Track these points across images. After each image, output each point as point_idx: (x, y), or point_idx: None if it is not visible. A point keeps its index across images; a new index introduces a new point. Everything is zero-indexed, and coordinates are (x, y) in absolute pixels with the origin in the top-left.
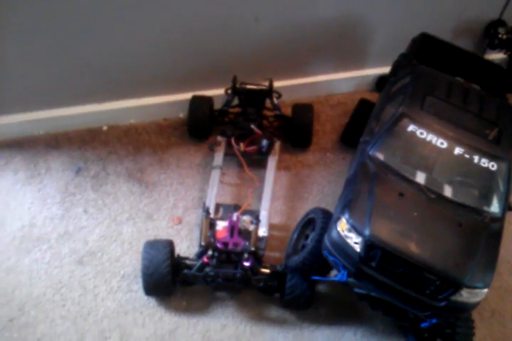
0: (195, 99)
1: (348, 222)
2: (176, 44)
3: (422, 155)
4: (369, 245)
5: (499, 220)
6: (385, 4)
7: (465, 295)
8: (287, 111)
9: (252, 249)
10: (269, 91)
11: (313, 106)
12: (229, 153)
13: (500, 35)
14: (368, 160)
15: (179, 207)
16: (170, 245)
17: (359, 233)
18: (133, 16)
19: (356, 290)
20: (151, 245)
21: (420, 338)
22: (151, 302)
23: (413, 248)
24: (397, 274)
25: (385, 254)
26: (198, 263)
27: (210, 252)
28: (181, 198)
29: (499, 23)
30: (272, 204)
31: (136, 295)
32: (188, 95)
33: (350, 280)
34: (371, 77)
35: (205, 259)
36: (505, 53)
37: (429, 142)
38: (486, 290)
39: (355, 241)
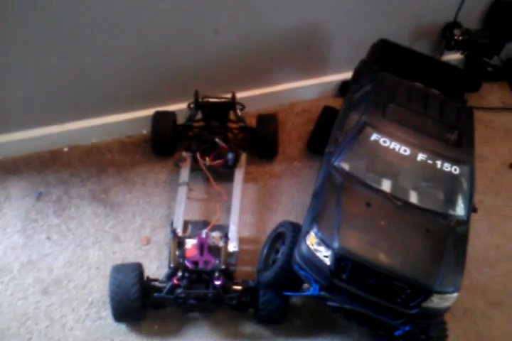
0: (157, 115)
1: (316, 235)
2: (136, 60)
3: (386, 164)
4: (339, 258)
5: (465, 223)
6: (343, 12)
7: (436, 301)
8: (252, 121)
9: (223, 267)
10: (232, 104)
11: (278, 115)
12: (195, 168)
13: (456, 37)
14: (334, 172)
15: (147, 226)
16: (138, 268)
17: (328, 246)
18: (91, 35)
19: (329, 303)
20: (118, 269)
21: None
22: (122, 328)
23: (382, 258)
24: (368, 285)
25: (355, 266)
26: (168, 286)
27: (179, 273)
28: (148, 217)
29: (454, 25)
30: (241, 218)
31: (105, 322)
32: (150, 111)
33: (323, 293)
34: (334, 83)
35: (174, 281)
36: (461, 54)
37: (393, 150)
38: (455, 294)
39: (324, 255)
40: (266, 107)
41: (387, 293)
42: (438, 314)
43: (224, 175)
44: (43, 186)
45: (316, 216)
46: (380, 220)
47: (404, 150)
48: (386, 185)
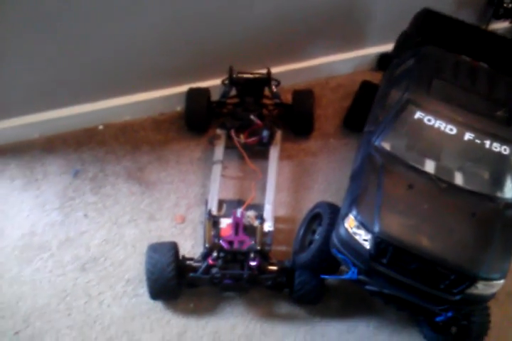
0: (191, 92)
1: (356, 218)
2: (168, 36)
3: (431, 143)
4: (379, 242)
5: None
6: None
7: (481, 288)
8: (287, 97)
9: (258, 247)
10: (268, 80)
11: (314, 90)
12: (230, 146)
13: (505, 5)
14: (375, 152)
15: (181, 205)
16: (174, 248)
17: (368, 230)
18: (122, 11)
19: (368, 287)
20: (154, 249)
21: (435, 328)
22: (158, 306)
23: (425, 242)
24: (409, 270)
25: (397, 251)
26: (204, 266)
27: (215, 254)
28: (183, 196)
29: None
30: (276, 197)
31: (142, 299)
32: (184, 88)
33: (361, 277)
34: (372, 56)
35: (210, 261)
36: (510, 22)
37: (438, 129)
38: (502, 281)
39: (364, 239)
40: (301, 82)
41: (429, 278)
42: (482, 300)
43: (259, 152)
44: (80, 164)
45: (356, 198)
46: (423, 203)
47: (451, 129)
48: (430, 166)
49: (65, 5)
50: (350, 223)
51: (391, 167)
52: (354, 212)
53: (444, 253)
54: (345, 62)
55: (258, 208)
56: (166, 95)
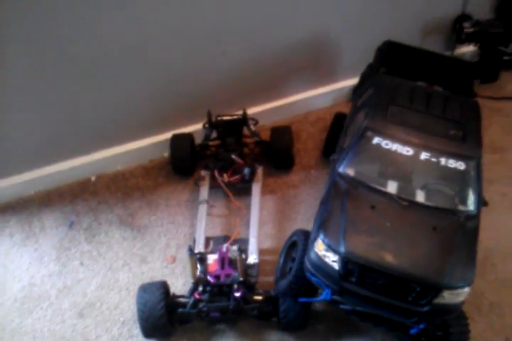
0: (175, 138)
1: (323, 241)
2: (151, 89)
3: (390, 166)
4: (346, 262)
5: (474, 217)
6: (348, 18)
7: (447, 297)
8: (267, 135)
9: (241, 279)
10: (245, 120)
11: (293, 125)
12: (214, 186)
13: (465, 30)
14: (339, 178)
15: (172, 245)
16: (163, 286)
17: (335, 251)
18: (106, 68)
19: (342, 306)
20: (145, 289)
21: None
22: None
23: (389, 258)
24: (377, 286)
25: (363, 269)
26: (191, 301)
27: (200, 288)
28: (173, 237)
29: (464, 17)
30: (261, 230)
31: (137, 339)
32: (169, 134)
33: (335, 297)
34: (346, 89)
35: (196, 296)
36: (475, 45)
37: (395, 151)
38: (467, 289)
39: (333, 260)
40: (281, 119)
41: (397, 292)
42: (451, 310)
43: (242, 189)
44: (74, 215)
45: (323, 223)
46: (386, 222)
47: (407, 151)
48: (392, 187)
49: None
50: (319, 247)
51: (354, 191)
52: (321, 236)
53: (408, 266)
54: (322, 96)
55: (243, 242)
56: (154, 142)
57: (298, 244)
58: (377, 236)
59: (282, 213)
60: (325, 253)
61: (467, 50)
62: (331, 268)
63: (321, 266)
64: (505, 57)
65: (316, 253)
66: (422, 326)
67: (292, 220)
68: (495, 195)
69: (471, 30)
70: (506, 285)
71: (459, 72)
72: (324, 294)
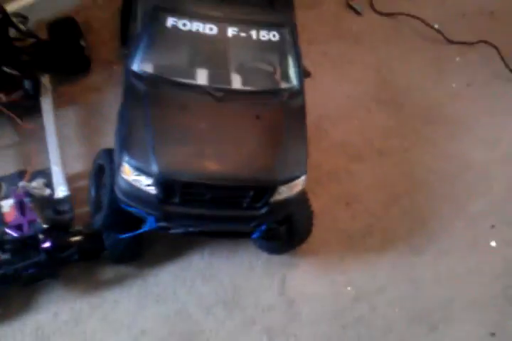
0: None
1: (130, 164)
2: None
3: (195, 52)
4: (163, 183)
5: (299, 93)
6: None
7: (285, 191)
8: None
9: (44, 226)
10: (7, 19)
11: (79, 14)
12: None
13: None
14: (134, 79)
15: None
16: None
17: (147, 173)
18: None
19: (172, 231)
20: None
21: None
22: None
23: (212, 166)
24: (206, 201)
25: (185, 186)
26: None
27: None
28: None
29: None
30: (65, 152)
31: None
32: None
33: (161, 224)
34: None
35: None
36: None
37: (197, 32)
38: (303, 177)
39: (147, 184)
40: (62, 9)
41: (229, 202)
42: (291, 202)
43: (33, 108)
44: None
45: (124, 141)
46: (201, 122)
47: (211, 29)
48: (202, 78)
49: None
50: (126, 172)
51: (156, 92)
52: (126, 158)
53: (234, 172)
54: None
55: (46, 174)
56: None
57: (105, 168)
58: (193, 144)
59: (88, 125)
60: (135, 177)
61: None
62: (147, 193)
63: (135, 194)
64: None
65: (126, 180)
66: (263, 228)
67: (103, 132)
68: (316, 56)
69: None
70: (338, 150)
71: None
72: (148, 223)
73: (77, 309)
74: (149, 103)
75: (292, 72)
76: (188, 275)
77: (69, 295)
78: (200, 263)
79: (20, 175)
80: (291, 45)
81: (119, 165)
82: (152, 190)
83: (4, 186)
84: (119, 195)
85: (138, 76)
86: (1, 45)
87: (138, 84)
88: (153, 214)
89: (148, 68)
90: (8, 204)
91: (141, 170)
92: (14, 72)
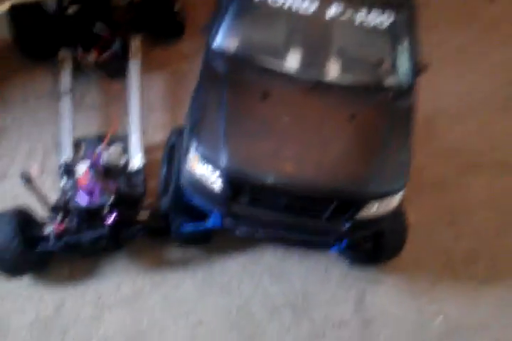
0: (16, 10)
1: (197, 151)
2: None
3: (285, 32)
4: (231, 181)
5: (408, 92)
6: None
7: (376, 207)
8: None
9: (111, 200)
10: None
11: None
12: (82, 69)
13: None
14: (214, 58)
15: (37, 153)
16: (16, 217)
17: (215, 165)
18: None
19: (238, 233)
20: None
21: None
22: (25, 281)
23: (290, 169)
24: (280, 205)
25: (255, 189)
26: (52, 236)
27: (59, 217)
28: (37, 140)
29: None
30: (149, 119)
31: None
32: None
33: (228, 222)
34: None
35: (56, 227)
36: None
37: (290, 9)
38: (401, 192)
39: (213, 177)
40: None
41: (308, 210)
42: (381, 220)
43: (121, 69)
44: None
45: (195, 125)
46: (283, 115)
47: (308, 6)
48: (291, 62)
49: None
50: (193, 159)
51: (237, 75)
52: (195, 144)
53: (316, 177)
54: None
55: (124, 141)
56: None
57: (176, 148)
58: (271, 140)
59: (174, 95)
60: (203, 167)
61: None
62: (212, 187)
63: (199, 185)
64: None
65: (192, 168)
66: (344, 243)
67: (187, 105)
68: (436, 46)
69: None
70: (450, 155)
71: None
72: (212, 220)
73: (139, 284)
74: (227, 86)
75: (403, 65)
76: (257, 270)
77: (132, 268)
78: (272, 259)
79: (100, 138)
80: (407, 31)
81: (187, 150)
82: (217, 186)
83: (84, 147)
84: (185, 183)
85: (218, 54)
86: (98, 2)
87: (217, 64)
88: (219, 210)
89: (230, 47)
90: (82, 169)
91: (209, 160)
92: (105, 32)
